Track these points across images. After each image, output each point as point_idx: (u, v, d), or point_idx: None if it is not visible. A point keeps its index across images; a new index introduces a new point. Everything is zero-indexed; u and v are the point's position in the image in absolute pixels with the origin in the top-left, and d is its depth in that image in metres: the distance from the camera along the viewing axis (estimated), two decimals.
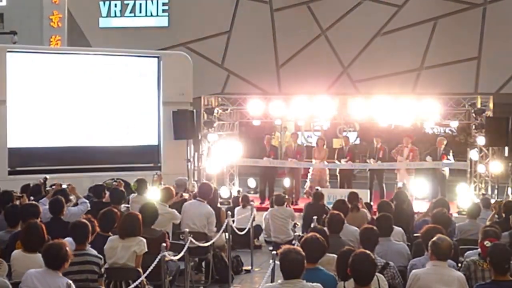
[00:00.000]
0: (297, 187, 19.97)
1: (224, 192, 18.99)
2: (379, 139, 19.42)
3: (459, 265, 8.19)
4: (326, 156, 19.88)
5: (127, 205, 12.04)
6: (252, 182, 21.72)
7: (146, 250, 8.40)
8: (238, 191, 18.02)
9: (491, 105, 17.51)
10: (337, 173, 19.97)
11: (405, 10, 26.74)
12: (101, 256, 7.92)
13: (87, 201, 11.55)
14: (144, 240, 8.42)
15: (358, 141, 28.67)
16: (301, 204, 17.43)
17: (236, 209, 13.91)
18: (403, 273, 7.70)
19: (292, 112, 19.17)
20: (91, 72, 17.89)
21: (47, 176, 13.29)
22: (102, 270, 7.77)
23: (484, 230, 8.46)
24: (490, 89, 23.72)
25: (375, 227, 8.20)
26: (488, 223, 10.35)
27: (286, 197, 14.45)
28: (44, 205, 10.44)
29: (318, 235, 7.04)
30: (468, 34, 26.21)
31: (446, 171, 18.83)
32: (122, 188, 12.56)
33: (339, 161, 19.55)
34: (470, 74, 26.33)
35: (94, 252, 7.91)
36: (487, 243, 7.43)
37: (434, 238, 7.28)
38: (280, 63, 27.75)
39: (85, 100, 17.84)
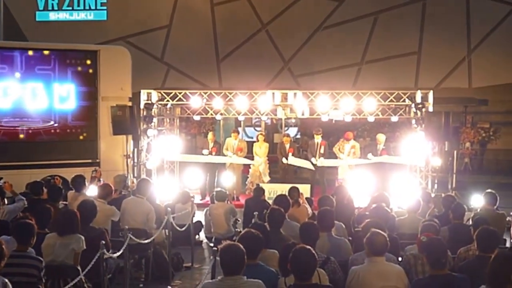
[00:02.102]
0: (238, 183, 19.86)
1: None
2: (319, 135, 19.37)
3: (400, 259, 8.21)
4: (267, 151, 19.82)
5: (64, 202, 11.81)
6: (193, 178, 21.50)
7: (85, 247, 8.28)
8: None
9: (430, 100, 17.65)
10: (279, 168, 20.00)
11: (346, 5, 26.99)
12: (42, 259, 7.72)
13: (23, 198, 11.34)
14: (83, 237, 8.31)
15: (299, 136, 28.80)
16: (242, 200, 17.39)
17: (176, 205, 13.75)
18: (344, 268, 7.68)
19: (232, 107, 19.08)
20: (28, 66, 17.56)
21: None
22: (42, 273, 7.56)
23: (422, 225, 8.53)
24: (430, 84, 24.04)
25: (315, 222, 8.19)
26: (427, 217, 10.43)
27: (227, 193, 14.37)
28: None
29: (254, 231, 6.98)
30: (408, 29, 26.61)
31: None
32: (60, 185, 12.37)
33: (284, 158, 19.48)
34: (410, 68, 26.72)
35: (35, 255, 7.72)
36: (423, 238, 7.45)
37: (368, 234, 7.27)
38: (221, 57, 27.69)
39: (23, 94, 17.51)
